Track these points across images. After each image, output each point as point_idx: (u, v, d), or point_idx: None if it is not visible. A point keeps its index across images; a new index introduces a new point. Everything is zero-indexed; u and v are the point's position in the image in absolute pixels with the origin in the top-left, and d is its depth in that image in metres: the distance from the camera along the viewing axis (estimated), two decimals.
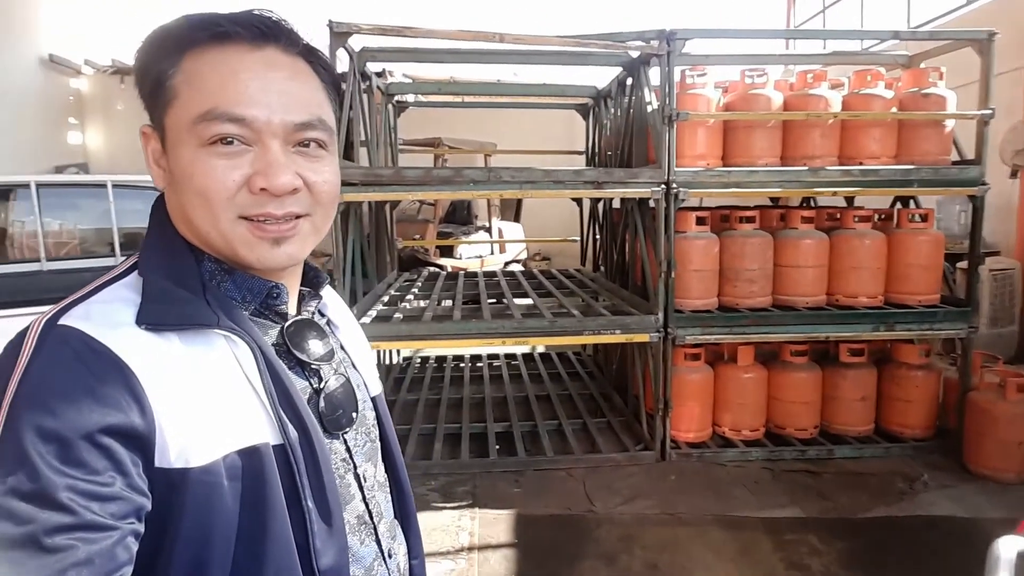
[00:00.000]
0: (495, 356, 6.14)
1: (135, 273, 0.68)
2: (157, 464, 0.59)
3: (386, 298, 4.81)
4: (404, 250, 7.25)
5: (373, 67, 5.19)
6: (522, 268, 8.40)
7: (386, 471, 0.87)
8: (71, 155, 10.97)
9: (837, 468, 3.80)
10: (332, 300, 0.90)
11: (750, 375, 4.07)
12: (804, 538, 3.06)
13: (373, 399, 0.87)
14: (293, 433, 0.67)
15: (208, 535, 0.61)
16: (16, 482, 0.52)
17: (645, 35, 3.95)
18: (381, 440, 0.86)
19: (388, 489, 0.87)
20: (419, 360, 6.12)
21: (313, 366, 0.76)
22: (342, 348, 0.85)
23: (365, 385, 0.86)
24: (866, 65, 4.62)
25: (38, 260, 4.10)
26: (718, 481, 3.66)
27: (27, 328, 0.61)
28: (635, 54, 4.27)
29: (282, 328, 0.75)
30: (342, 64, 4.22)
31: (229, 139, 0.65)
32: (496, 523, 3.25)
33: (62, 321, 0.61)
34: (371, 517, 0.79)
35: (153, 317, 0.63)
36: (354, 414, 0.79)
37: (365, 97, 4.95)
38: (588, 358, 6.06)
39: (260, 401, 0.66)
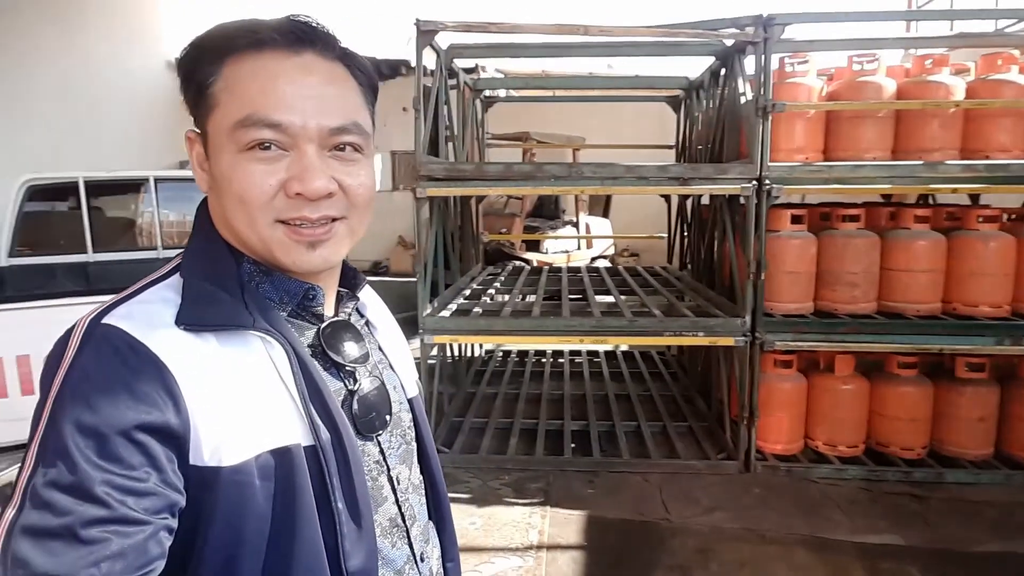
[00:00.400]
0: (577, 352, 6.07)
1: (177, 274, 0.70)
2: (191, 462, 0.60)
3: (468, 291, 4.87)
4: (490, 244, 7.31)
5: (464, 64, 5.26)
6: (609, 264, 8.26)
7: (422, 473, 0.87)
8: None
9: (947, 494, 3.45)
10: (372, 301, 0.90)
11: (849, 386, 3.77)
12: (903, 568, 2.79)
13: (410, 401, 0.86)
14: (325, 434, 0.67)
15: (240, 533, 0.62)
16: (56, 475, 0.54)
17: (740, 22, 3.73)
18: (417, 442, 0.86)
19: (423, 492, 0.86)
20: (501, 353, 6.16)
21: (348, 368, 0.75)
22: (380, 349, 0.85)
23: (402, 387, 0.85)
24: (998, 48, 4.13)
25: (156, 248, 4.49)
26: (808, 498, 3.43)
27: (74, 326, 0.64)
28: (729, 42, 4.05)
29: (318, 329, 0.75)
30: (429, 61, 4.30)
31: (266, 144, 0.66)
32: (567, 523, 3.21)
33: (105, 320, 0.63)
34: (404, 520, 0.79)
35: (191, 318, 0.65)
36: (388, 416, 0.78)
37: (453, 93, 5.03)
38: (672, 358, 5.86)
39: (293, 402, 0.67)
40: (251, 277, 0.72)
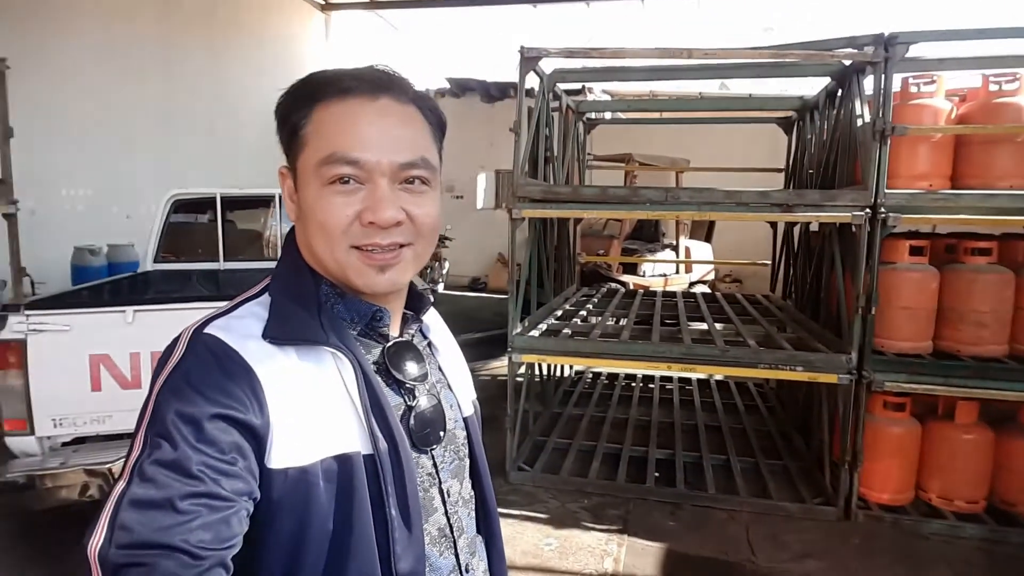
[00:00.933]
0: (668, 379, 5.91)
1: (267, 293, 0.81)
2: (265, 460, 0.69)
3: (560, 312, 4.90)
4: (588, 265, 7.30)
5: (568, 86, 5.34)
6: (708, 290, 7.98)
7: (473, 488, 0.92)
8: None
9: None
10: (436, 324, 0.97)
11: (971, 436, 3.41)
12: None
13: (465, 420, 0.91)
14: (383, 445, 0.74)
15: (304, 531, 0.70)
16: (160, 454, 0.63)
17: (857, 41, 3.54)
18: (471, 459, 0.91)
19: (473, 506, 0.91)
20: (590, 375, 6.12)
21: (408, 385, 0.82)
22: (440, 370, 0.92)
23: (459, 406, 0.91)
24: None
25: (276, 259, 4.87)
26: (915, 554, 3.13)
27: (180, 334, 0.75)
28: (848, 62, 3.84)
29: (384, 348, 0.83)
30: (535, 84, 4.42)
31: (346, 179, 0.75)
32: (644, 554, 3.13)
33: (207, 330, 0.73)
34: (452, 531, 0.84)
35: (275, 332, 0.74)
36: (442, 432, 0.84)
37: (556, 116, 5.13)
38: (771, 391, 5.56)
39: (357, 414, 0.74)
40: (328, 298, 0.81)
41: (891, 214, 3.36)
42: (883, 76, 3.42)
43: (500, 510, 3.29)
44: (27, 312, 2.77)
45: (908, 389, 3.40)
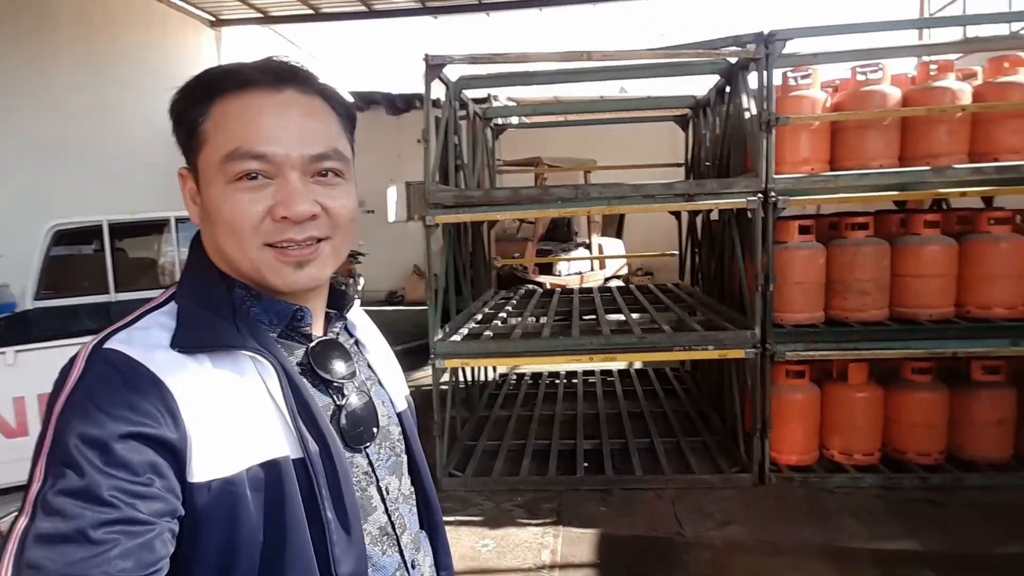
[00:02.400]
0: (590, 373, 6.07)
1: (172, 302, 0.76)
2: (186, 474, 0.65)
3: (479, 316, 4.93)
4: (504, 268, 7.39)
5: (474, 94, 5.40)
6: (622, 283, 8.26)
7: (413, 484, 0.90)
8: None
9: (966, 499, 3.37)
10: (361, 321, 0.95)
11: (863, 394, 3.72)
12: (920, 573, 2.74)
13: (399, 415, 0.90)
14: (313, 447, 0.72)
15: (234, 544, 0.66)
16: (66, 483, 0.59)
17: (741, 39, 3.81)
18: (408, 454, 0.90)
19: (414, 502, 0.90)
20: (515, 377, 6.19)
21: (336, 384, 0.80)
22: (369, 367, 0.90)
23: (391, 402, 0.90)
24: (1008, 51, 4.13)
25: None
26: (823, 508, 3.37)
27: (77, 353, 0.70)
28: (733, 60, 4.12)
29: (307, 348, 0.80)
30: (441, 93, 4.44)
31: (253, 174, 0.72)
32: (580, 542, 3.20)
33: (107, 345, 0.69)
34: (394, 528, 0.82)
35: (185, 340, 0.70)
36: (375, 429, 0.82)
37: (464, 123, 5.17)
38: (686, 374, 5.83)
39: (283, 417, 0.72)
40: (242, 301, 0.77)
41: (780, 197, 3.62)
42: (765, 71, 3.69)
43: None
44: None
45: (806, 357, 3.68)
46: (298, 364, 0.78)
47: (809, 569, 2.84)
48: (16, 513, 0.61)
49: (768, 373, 3.64)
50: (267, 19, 12.11)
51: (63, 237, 4.21)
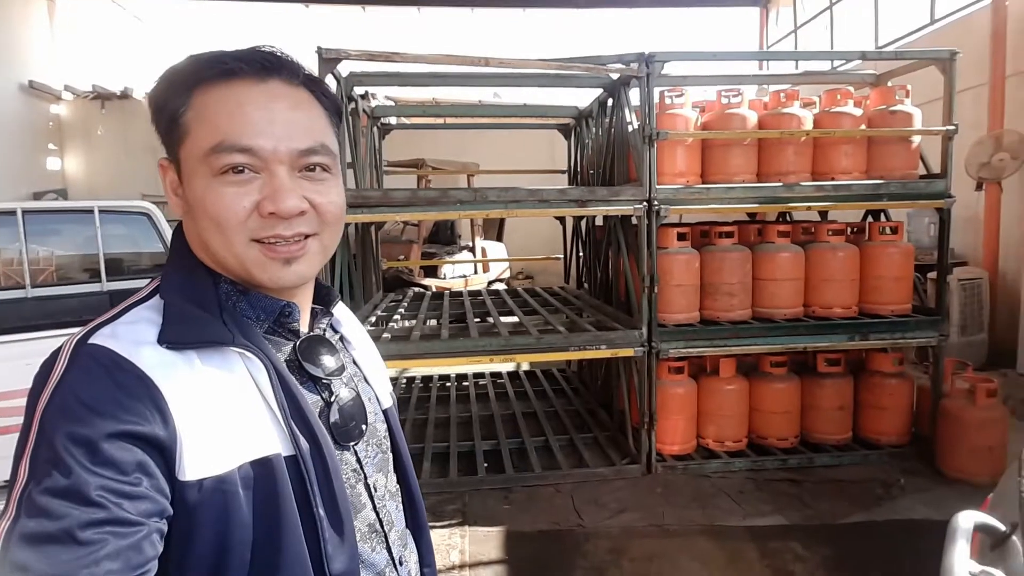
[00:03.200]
0: (481, 375, 6.17)
1: (157, 296, 0.73)
2: (177, 473, 0.63)
3: (373, 319, 4.83)
4: (388, 271, 7.28)
5: (359, 91, 5.27)
6: (506, 287, 8.46)
7: (398, 482, 0.91)
8: (50, 181, 10.89)
9: (818, 476, 3.89)
10: (346, 318, 0.94)
11: (732, 387, 4.15)
12: (788, 545, 3.12)
13: (384, 412, 0.90)
14: (304, 444, 0.71)
15: (225, 542, 0.65)
16: (51, 482, 0.56)
17: (625, 58, 4.08)
18: (393, 452, 0.90)
19: (400, 499, 0.90)
20: (404, 380, 6.13)
21: (324, 380, 0.79)
22: (355, 363, 0.89)
23: (377, 398, 0.90)
24: (836, 84, 4.80)
25: (23, 287, 4.09)
26: (703, 492, 3.72)
27: (60, 347, 0.66)
28: (616, 76, 4.40)
29: (295, 345, 0.79)
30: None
31: (239, 168, 0.70)
32: (487, 540, 3.27)
33: (91, 340, 0.65)
34: (382, 525, 0.83)
35: (173, 336, 0.68)
36: (364, 426, 0.82)
37: (351, 120, 5.03)
38: (573, 375, 6.12)
39: (273, 414, 0.70)
40: (228, 297, 0.75)
41: (662, 206, 3.93)
42: (646, 89, 3.99)
43: None
44: None
45: (685, 353, 4.03)
46: (285, 360, 0.77)
47: (696, 547, 3.13)
48: None
49: (654, 370, 3.94)
50: None
51: None
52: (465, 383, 5.94)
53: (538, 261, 8.28)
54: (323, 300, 0.88)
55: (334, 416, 0.78)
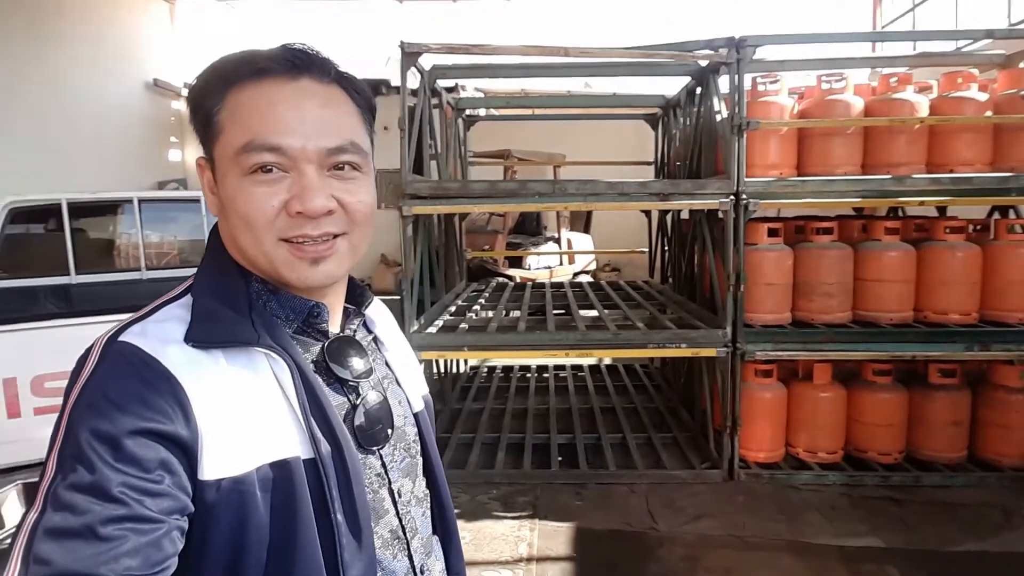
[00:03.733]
0: (561, 367, 6.12)
1: (189, 294, 0.74)
2: (197, 472, 0.64)
3: (453, 308, 4.91)
4: (473, 260, 7.37)
5: (444, 83, 5.35)
6: (591, 279, 8.35)
7: (428, 487, 0.89)
8: (172, 171, 11.85)
9: (924, 497, 3.56)
10: (381, 317, 0.93)
11: (827, 394, 3.87)
12: (884, 569, 2.87)
13: (415, 415, 0.88)
14: (325, 448, 0.70)
15: (242, 543, 0.65)
16: (76, 478, 0.57)
17: (714, 43, 3.87)
18: (423, 456, 0.88)
19: (427, 505, 0.88)
20: (486, 369, 6.19)
21: (351, 383, 0.78)
22: (387, 365, 0.88)
23: (408, 402, 0.88)
24: (958, 66, 4.34)
25: (139, 269, 4.46)
26: (790, 504, 3.50)
27: (92, 344, 0.68)
28: (704, 63, 4.19)
29: (323, 346, 0.78)
30: (412, 81, 4.38)
31: (268, 167, 0.70)
32: (556, 535, 3.24)
33: (121, 337, 0.67)
34: (404, 532, 0.81)
35: (199, 335, 0.68)
36: (390, 431, 0.80)
37: (436, 113, 5.11)
38: (656, 371, 5.95)
39: (295, 416, 0.70)
40: (259, 296, 0.75)
41: (751, 200, 3.71)
42: (736, 76, 3.76)
43: None
44: None
45: (774, 356, 3.80)
46: (313, 361, 0.76)
47: (779, 564, 2.95)
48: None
49: (739, 372, 3.74)
50: None
51: (19, 215, 3.99)
52: (545, 374, 5.92)
53: (624, 254, 8.11)
54: (356, 300, 0.87)
55: (359, 419, 0.76)
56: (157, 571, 0.58)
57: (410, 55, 3.77)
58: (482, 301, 5.21)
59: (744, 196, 3.71)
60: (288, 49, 0.73)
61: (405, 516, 0.81)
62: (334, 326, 0.81)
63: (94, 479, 0.57)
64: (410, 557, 0.81)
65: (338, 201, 0.73)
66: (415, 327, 3.86)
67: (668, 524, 3.32)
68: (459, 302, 5.17)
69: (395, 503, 0.80)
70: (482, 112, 7.71)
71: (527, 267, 8.21)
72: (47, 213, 4.05)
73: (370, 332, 0.89)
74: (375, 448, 0.78)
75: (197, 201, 4.68)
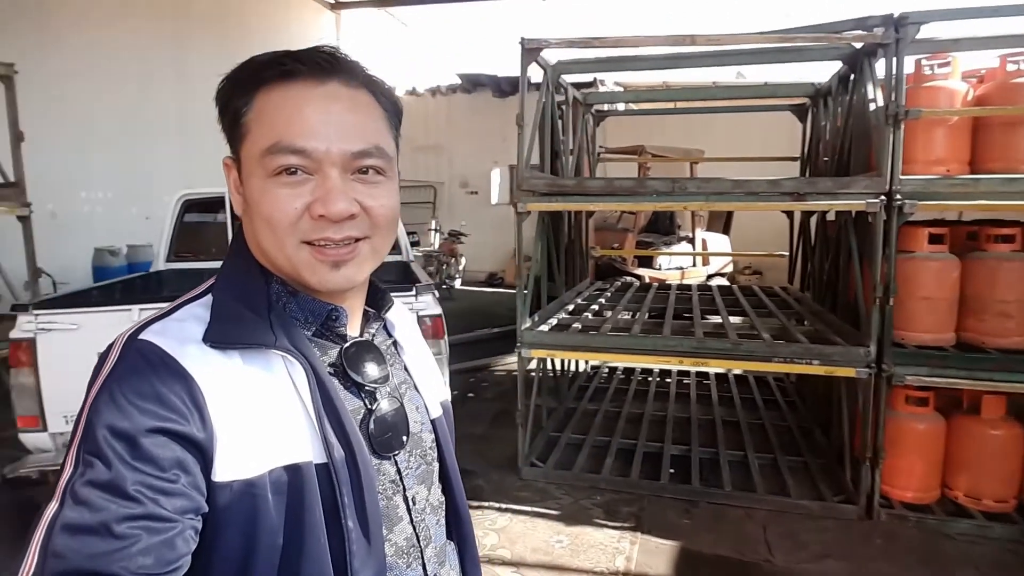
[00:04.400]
0: (685, 373, 5.83)
1: (210, 294, 0.76)
2: (211, 473, 0.65)
3: (571, 306, 4.84)
4: (602, 259, 7.23)
5: (579, 78, 5.27)
6: (727, 282, 7.85)
7: (444, 494, 0.87)
8: None
9: None
10: (402, 321, 0.92)
11: (998, 432, 3.29)
12: None
13: (432, 422, 0.87)
14: (338, 453, 0.69)
15: (252, 546, 0.65)
16: (93, 474, 0.59)
17: (867, 22, 3.42)
18: (440, 463, 0.86)
19: (442, 512, 0.86)
20: (607, 370, 6.05)
21: (368, 388, 0.77)
22: (406, 370, 0.87)
23: (426, 408, 0.86)
24: None
25: None
26: (941, 556, 3.02)
27: (113, 341, 0.70)
28: (859, 45, 3.72)
29: (341, 349, 0.78)
30: (536, 76, 4.36)
31: (293, 169, 0.70)
32: (657, 553, 3.07)
33: (141, 336, 0.69)
34: (418, 540, 0.80)
35: (217, 336, 0.69)
36: (405, 437, 0.79)
37: (558, 108, 5.06)
38: (791, 386, 5.45)
39: (309, 420, 0.70)
40: (279, 297, 0.76)
41: (907, 201, 3.24)
42: (894, 58, 3.30)
43: (511, 506, 3.22)
44: (36, 312, 2.80)
45: (930, 383, 3.29)
46: (330, 365, 0.76)
47: None
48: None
49: (884, 396, 3.30)
50: (382, 1, 12.50)
51: (192, 206, 4.54)
52: (668, 380, 5.66)
53: (764, 257, 7.51)
54: (377, 303, 0.86)
55: (373, 425, 0.76)
56: (170, 570, 0.59)
57: (530, 51, 3.75)
58: (602, 300, 5.09)
59: (898, 196, 3.25)
60: (317, 51, 0.73)
61: (419, 524, 0.80)
62: (353, 330, 0.81)
63: (111, 476, 0.59)
64: (424, 565, 0.80)
65: (361, 205, 0.72)
66: (527, 324, 3.86)
67: (786, 559, 3.01)
68: (579, 300, 5.10)
69: (409, 510, 0.79)
70: (619, 107, 7.50)
71: (657, 267, 7.90)
72: (214, 204, 4.56)
73: (390, 336, 0.88)
74: (390, 454, 0.78)
75: None
